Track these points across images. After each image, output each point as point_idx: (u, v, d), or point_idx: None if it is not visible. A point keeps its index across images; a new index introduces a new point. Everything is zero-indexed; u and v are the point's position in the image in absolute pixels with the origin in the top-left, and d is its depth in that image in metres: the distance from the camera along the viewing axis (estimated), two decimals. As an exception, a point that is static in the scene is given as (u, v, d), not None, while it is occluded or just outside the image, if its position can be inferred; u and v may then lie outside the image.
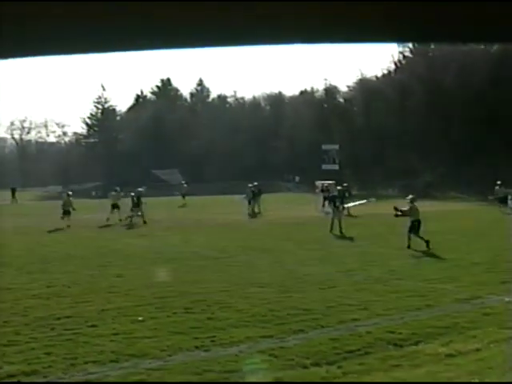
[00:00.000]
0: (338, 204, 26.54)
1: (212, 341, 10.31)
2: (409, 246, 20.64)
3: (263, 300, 13.36)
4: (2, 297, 13.99)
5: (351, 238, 24.04)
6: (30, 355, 9.63)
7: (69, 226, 29.29)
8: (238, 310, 12.52)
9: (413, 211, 21.35)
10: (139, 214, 31.12)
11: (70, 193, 33.20)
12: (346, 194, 31.84)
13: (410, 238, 20.81)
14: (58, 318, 11.89)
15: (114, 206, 32.27)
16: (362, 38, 1.48)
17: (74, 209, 30.73)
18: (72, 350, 9.90)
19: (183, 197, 46.74)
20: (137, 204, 31.28)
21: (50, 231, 28.35)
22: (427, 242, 20.34)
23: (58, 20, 1.33)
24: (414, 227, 20.97)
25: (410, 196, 22.20)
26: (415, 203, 21.69)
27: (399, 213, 21.80)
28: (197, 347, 10.04)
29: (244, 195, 38.31)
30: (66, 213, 30.20)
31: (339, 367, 9.06)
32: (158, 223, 30.92)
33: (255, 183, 38.78)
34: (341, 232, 25.35)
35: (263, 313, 12.21)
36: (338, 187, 32.27)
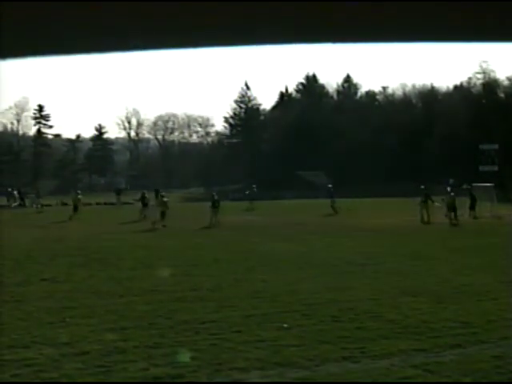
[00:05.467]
0: None
1: (361, 352, 10.18)
2: None
3: (415, 310, 13.07)
4: (147, 299, 14.57)
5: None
6: (175, 358, 9.95)
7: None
8: (389, 320, 12.31)
9: None
10: None
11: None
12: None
13: None
14: (203, 323, 12.21)
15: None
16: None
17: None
18: (217, 355, 10.12)
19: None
20: None
21: (195, 234, 29.26)
22: None
23: (58, 20, 1.37)
24: None
25: None
26: None
27: None
28: (345, 358, 9.95)
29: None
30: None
31: (504, 389, 8.72)
32: (303, 226, 31.11)
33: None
34: None
35: (416, 324, 11.93)
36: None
